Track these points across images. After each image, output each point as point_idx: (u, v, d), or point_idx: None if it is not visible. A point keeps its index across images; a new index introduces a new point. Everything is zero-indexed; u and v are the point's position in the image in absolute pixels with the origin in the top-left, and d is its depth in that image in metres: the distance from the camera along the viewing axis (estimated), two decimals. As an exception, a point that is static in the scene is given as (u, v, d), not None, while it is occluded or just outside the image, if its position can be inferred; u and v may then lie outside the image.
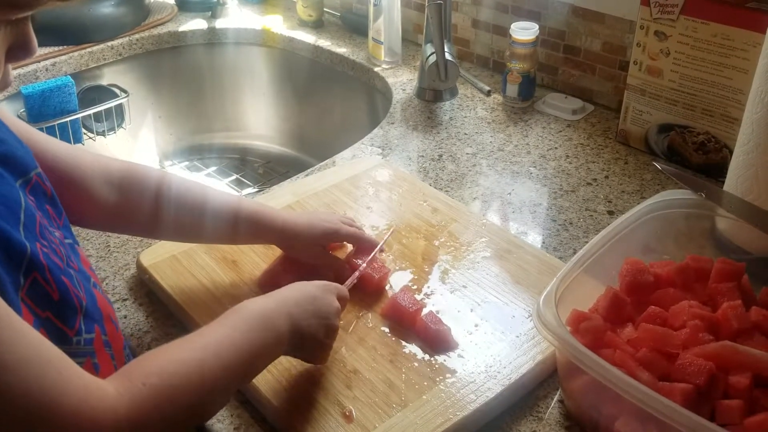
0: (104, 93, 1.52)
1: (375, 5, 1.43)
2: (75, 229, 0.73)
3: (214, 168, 1.73)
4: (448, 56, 1.28)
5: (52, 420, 0.48)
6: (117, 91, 1.53)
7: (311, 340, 0.71)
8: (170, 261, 0.92)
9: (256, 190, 1.62)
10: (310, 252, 0.89)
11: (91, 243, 0.98)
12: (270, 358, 0.68)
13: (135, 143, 1.68)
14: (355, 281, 0.86)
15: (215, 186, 1.47)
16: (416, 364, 0.78)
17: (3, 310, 0.48)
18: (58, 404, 0.48)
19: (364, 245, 0.91)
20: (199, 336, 0.63)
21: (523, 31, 1.27)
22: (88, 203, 0.79)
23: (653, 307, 0.74)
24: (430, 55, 1.30)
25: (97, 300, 0.66)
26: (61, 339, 0.52)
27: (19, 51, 0.57)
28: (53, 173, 0.72)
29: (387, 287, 0.88)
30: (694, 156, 1.13)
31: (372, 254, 0.89)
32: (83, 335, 0.61)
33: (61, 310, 0.59)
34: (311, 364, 0.77)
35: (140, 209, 0.82)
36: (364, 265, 0.87)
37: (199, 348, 0.60)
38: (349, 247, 0.94)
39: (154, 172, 0.84)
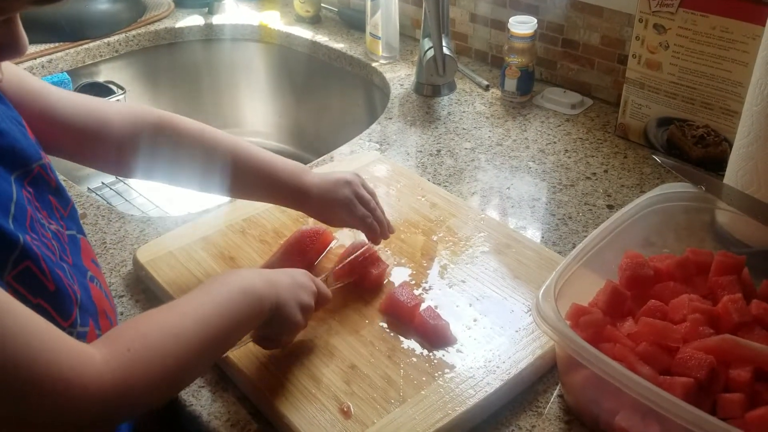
0: (101, 90, 1.51)
1: (372, 0, 1.42)
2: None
3: (211, 164, 1.73)
4: (446, 51, 1.28)
5: (43, 387, 0.49)
6: (114, 87, 1.52)
7: (287, 316, 0.71)
8: (167, 257, 0.91)
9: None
10: (333, 220, 0.89)
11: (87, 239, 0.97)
12: (250, 326, 0.69)
13: (132, 140, 1.67)
14: (344, 281, 0.86)
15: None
16: (415, 360, 0.77)
17: None
18: (47, 372, 0.49)
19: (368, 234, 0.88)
20: (182, 303, 0.64)
21: (522, 25, 1.26)
22: (118, 154, 0.81)
23: (653, 300, 0.73)
24: (428, 50, 1.29)
25: (92, 294, 0.66)
26: None
27: (8, 50, 0.58)
28: (79, 130, 0.77)
29: (385, 282, 0.88)
30: (693, 149, 1.12)
31: (350, 258, 0.87)
32: (77, 327, 0.61)
33: (57, 300, 0.60)
34: (282, 352, 0.77)
35: (174, 158, 0.83)
36: (340, 266, 0.86)
37: (181, 314, 0.62)
38: (343, 241, 0.93)
39: (187, 122, 0.85)
